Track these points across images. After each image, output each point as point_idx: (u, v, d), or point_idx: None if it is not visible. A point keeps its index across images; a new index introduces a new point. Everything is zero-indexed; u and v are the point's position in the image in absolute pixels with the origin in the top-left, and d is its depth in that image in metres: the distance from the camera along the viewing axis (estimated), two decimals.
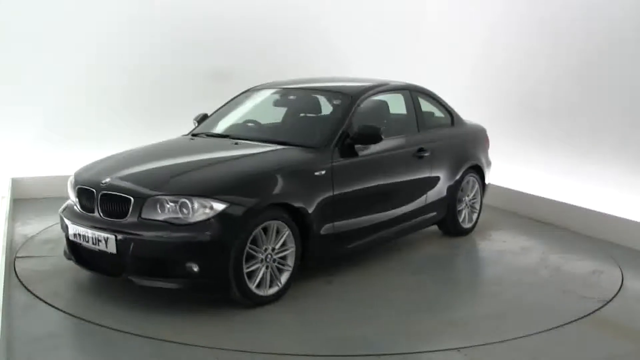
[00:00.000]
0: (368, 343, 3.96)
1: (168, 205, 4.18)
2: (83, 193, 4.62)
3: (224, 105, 6.17)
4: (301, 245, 4.62)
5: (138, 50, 8.19)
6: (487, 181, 6.71)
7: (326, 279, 5.04)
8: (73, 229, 4.53)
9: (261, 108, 6.04)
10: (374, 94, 5.76)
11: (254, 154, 4.95)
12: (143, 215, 4.23)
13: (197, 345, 3.81)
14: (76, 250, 4.61)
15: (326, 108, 5.75)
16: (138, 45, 8.18)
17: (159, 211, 4.20)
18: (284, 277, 4.53)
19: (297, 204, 4.55)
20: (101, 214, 4.42)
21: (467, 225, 6.45)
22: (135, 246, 4.17)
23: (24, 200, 7.16)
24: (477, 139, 6.68)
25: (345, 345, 3.92)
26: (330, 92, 5.76)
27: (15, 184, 7.37)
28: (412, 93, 6.02)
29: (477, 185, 6.51)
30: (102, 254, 4.33)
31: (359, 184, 5.16)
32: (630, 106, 6.58)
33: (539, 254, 5.95)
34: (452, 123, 6.41)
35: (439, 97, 6.41)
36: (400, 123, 6.00)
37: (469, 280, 5.49)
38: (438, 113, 6.41)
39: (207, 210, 4.15)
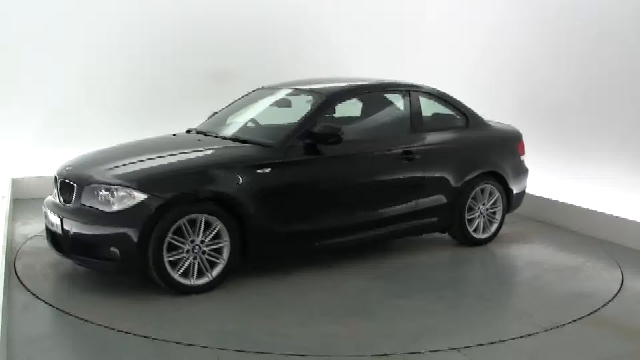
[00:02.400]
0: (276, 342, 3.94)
1: (101, 193, 4.54)
2: (55, 181, 5.08)
3: (230, 104, 6.23)
4: (240, 240, 4.70)
5: (138, 50, 8.19)
6: (515, 190, 6.22)
7: (273, 277, 5.03)
8: (43, 212, 5.00)
9: (260, 108, 6.04)
10: (355, 95, 5.75)
11: (201, 150, 5.08)
12: (82, 202, 4.63)
13: (198, 345, 3.82)
14: (51, 234, 4.92)
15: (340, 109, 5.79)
16: (138, 45, 8.18)
17: (95, 198, 4.57)
18: (216, 270, 4.65)
19: (228, 199, 4.63)
20: (60, 200, 4.87)
21: (481, 235, 6.02)
22: (72, 229, 4.58)
23: (24, 200, 7.16)
24: (501, 143, 6.27)
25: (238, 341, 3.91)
26: (308, 92, 5.72)
27: (15, 184, 7.37)
28: (412, 94, 5.81)
29: (497, 194, 6.06)
30: (56, 234, 4.77)
31: (319, 184, 5.15)
32: (631, 106, 6.59)
33: (541, 269, 5.74)
34: (467, 125, 6.08)
35: (450, 98, 6.08)
36: (390, 124, 5.88)
37: (430, 287, 5.02)
38: (449, 115, 6.09)
39: (130, 200, 4.45)
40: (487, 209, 6.06)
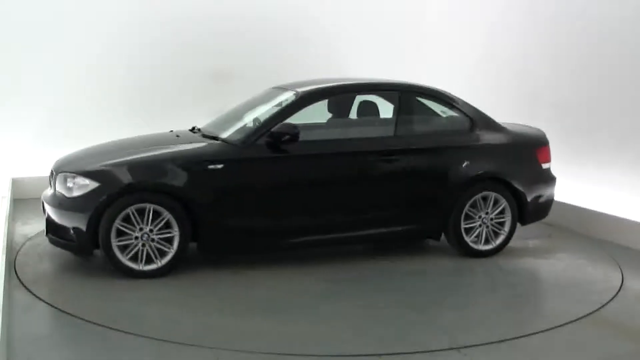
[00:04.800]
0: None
1: (69, 181, 5.00)
2: None
3: (243, 102, 6.23)
4: (194, 232, 4.96)
5: (138, 50, 8.20)
6: (531, 200, 5.72)
7: (234, 270, 5.12)
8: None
9: (262, 107, 6.02)
10: (330, 95, 5.75)
11: (169, 145, 5.33)
12: (56, 188, 5.11)
13: (198, 345, 3.81)
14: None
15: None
16: (138, 45, 8.19)
17: (64, 185, 5.02)
18: (166, 258, 4.91)
19: (175, 192, 4.90)
20: (50, 186, 5.34)
21: (482, 246, 5.58)
22: (47, 211, 5.13)
23: (24, 200, 7.15)
24: (512, 148, 5.79)
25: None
26: (288, 91, 5.67)
27: (15, 184, 7.37)
28: (403, 94, 5.62)
29: (504, 203, 5.59)
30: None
31: (280, 182, 5.20)
32: (631, 106, 6.59)
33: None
34: (472, 128, 5.71)
35: (451, 98, 5.76)
36: (372, 125, 5.79)
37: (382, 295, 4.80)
38: (450, 116, 5.82)
39: (84, 188, 4.89)
40: (491, 219, 5.61)
